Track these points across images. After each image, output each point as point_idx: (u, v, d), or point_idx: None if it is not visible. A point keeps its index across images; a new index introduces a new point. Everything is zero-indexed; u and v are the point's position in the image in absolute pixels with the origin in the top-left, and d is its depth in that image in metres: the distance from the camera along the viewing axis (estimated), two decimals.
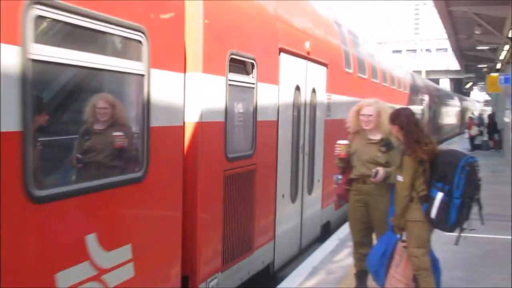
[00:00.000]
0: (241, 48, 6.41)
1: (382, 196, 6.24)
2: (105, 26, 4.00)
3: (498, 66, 30.34)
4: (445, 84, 76.27)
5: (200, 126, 5.55)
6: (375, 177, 6.11)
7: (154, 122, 4.65)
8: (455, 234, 5.71)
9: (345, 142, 6.51)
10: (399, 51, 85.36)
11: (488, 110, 53.71)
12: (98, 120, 4.31)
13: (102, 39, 4.13)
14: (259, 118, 6.95)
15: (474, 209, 5.57)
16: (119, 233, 4.29)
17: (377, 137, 6.35)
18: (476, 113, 62.73)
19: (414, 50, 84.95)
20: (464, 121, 40.98)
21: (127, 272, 4.35)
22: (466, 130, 35.38)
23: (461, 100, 61.45)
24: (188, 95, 5.46)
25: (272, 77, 7.40)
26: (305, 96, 8.83)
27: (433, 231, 5.80)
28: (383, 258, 5.96)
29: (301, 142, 8.68)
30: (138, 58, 4.47)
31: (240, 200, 6.45)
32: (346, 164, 6.51)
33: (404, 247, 5.84)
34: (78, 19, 3.71)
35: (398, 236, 5.93)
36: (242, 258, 6.57)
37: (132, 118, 4.60)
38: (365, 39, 16.61)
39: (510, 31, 18.70)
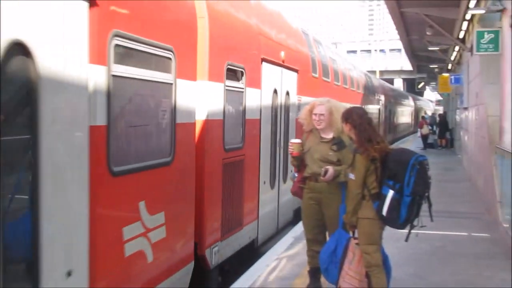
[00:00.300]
0: (234, 60, 7.94)
1: (334, 194, 6.29)
2: (151, 48, 5.43)
3: (449, 66, 30.97)
4: (398, 84, 77.38)
5: (207, 123, 7.03)
6: (324, 176, 6.18)
7: (178, 120, 6.06)
8: (406, 231, 5.85)
9: (297, 140, 6.63)
10: (354, 52, 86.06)
11: (441, 109, 54.80)
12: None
13: (149, 58, 5.50)
14: (247, 117, 8.42)
15: (424, 206, 5.71)
16: (158, 202, 5.63)
17: (329, 136, 6.40)
18: (429, 113, 63.98)
19: (369, 51, 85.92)
20: (418, 120, 41.87)
21: (162, 233, 5.70)
22: (419, 129, 36.10)
23: (415, 100, 62.75)
24: (198, 98, 6.80)
25: (256, 83, 8.89)
26: (281, 98, 10.25)
27: (385, 228, 5.93)
28: (333, 255, 6.06)
29: (278, 138, 10.07)
30: (168, 71, 5.87)
31: (233, 184, 7.86)
32: (300, 162, 6.58)
33: (357, 244, 5.95)
34: (137, 45, 5.16)
35: (350, 233, 6.04)
36: (235, 232, 7.96)
37: (166, 117, 5.91)
38: (327, 45, 18.18)
39: (460, 32, 19.14)
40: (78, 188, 4.31)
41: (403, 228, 5.74)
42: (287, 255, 8.51)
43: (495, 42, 12.16)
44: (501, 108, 11.43)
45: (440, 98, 59.84)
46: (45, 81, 3.90)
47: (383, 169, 5.73)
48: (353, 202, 5.77)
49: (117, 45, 4.79)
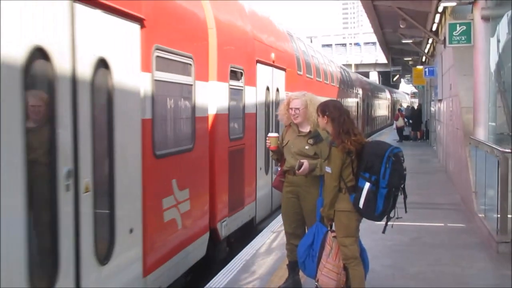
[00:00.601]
0: (236, 62, 9.59)
1: (311, 187, 6.30)
2: (178, 57, 7.07)
3: (423, 59, 31.19)
4: (374, 77, 77.81)
5: (216, 117, 8.66)
6: (299, 170, 6.20)
7: (197, 114, 7.68)
8: (382, 223, 5.88)
9: (275, 134, 6.70)
10: (329, 45, 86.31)
11: (416, 102, 55.26)
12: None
13: (177, 65, 7.15)
14: (246, 111, 10.06)
15: (400, 198, 5.75)
16: (184, 181, 7.20)
17: (306, 129, 6.40)
18: (405, 105, 64.50)
19: (344, 44, 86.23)
20: (395, 113, 42.59)
21: (187, 206, 7.30)
22: (395, 122, 36.41)
23: (391, 93, 63.46)
24: (209, 96, 8.36)
25: (252, 81, 10.51)
26: (272, 94, 11.75)
27: (361, 221, 5.95)
28: (310, 249, 6.07)
29: (270, 129, 11.43)
30: (190, 74, 7.50)
31: (236, 169, 9.36)
32: (279, 156, 6.63)
33: (334, 237, 5.96)
34: (169, 55, 6.78)
35: (327, 226, 6.06)
36: (238, 210, 9.54)
37: (189, 112, 7.52)
38: (309, 44, 20.23)
39: (433, 25, 19.27)
40: (136, 167, 5.97)
41: (379, 220, 5.77)
42: (280, 230, 8.97)
43: (467, 34, 12.21)
44: (475, 100, 11.50)
45: (415, 90, 60.29)
46: (117, 87, 5.50)
47: (359, 161, 5.74)
48: (329, 195, 5.78)
49: (157, 56, 6.42)
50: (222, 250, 9.03)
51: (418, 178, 16.16)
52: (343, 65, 36.22)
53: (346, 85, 26.63)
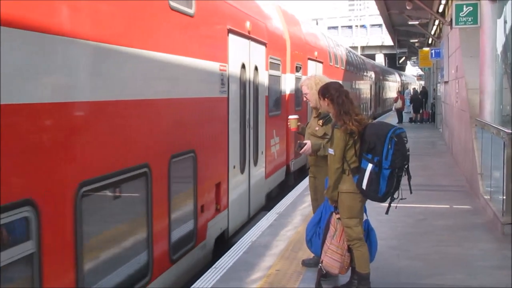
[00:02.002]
0: (298, 60, 15.11)
1: (320, 167, 6.49)
2: (275, 60, 12.64)
3: (430, 41, 31.02)
4: (380, 59, 77.50)
5: (289, 95, 14.24)
6: (299, 150, 6.43)
7: (282, 93, 13.48)
8: (386, 204, 5.91)
9: (294, 116, 6.97)
10: (335, 28, 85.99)
11: (423, 84, 55.22)
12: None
13: (275, 65, 12.68)
14: (286, 93, 14.07)
15: (404, 179, 5.76)
16: (277, 131, 12.86)
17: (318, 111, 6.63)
18: (412, 87, 64.38)
19: (350, 27, 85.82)
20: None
21: (278, 147, 13.03)
22: (394, 103, 36.47)
23: (400, 75, 63.99)
24: (286, 82, 13.87)
25: (305, 72, 15.77)
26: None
27: (365, 202, 5.98)
28: (316, 226, 6.20)
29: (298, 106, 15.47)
30: (279, 70, 13.11)
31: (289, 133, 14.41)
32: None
33: (338, 218, 5.99)
34: (272, 59, 12.17)
35: (333, 208, 6.09)
36: (297, 158, 14.98)
37: (280, 92, 13.43)
38: (335, 40, 26.48)
39: (440, 6, 19.15)
40: (263, 120, 11.46)
41: (383, 201, 5.78)
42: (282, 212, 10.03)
43: (474, 15, 12.15)
44: (481, 81, 11.47)
45: (421, 73, 60.05)
46: (259, 78, 10.98)
47: (361, 142, 5.75)
48: (333, 177, 5.79)
49: (270, 62, 11.97)
50: (291, 179, 14.53)
51: (424, 160, 16.17)
52: (350, 47, 37.54)
53: (361, 70, 31.21)
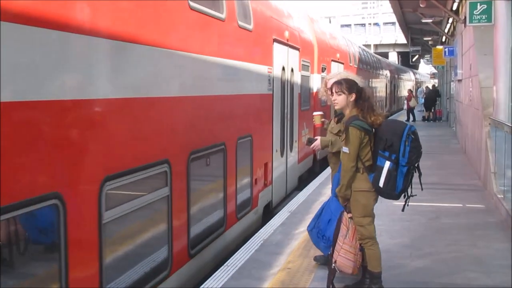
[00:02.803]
0: (323, 62, 17.05)
1: (333, 163, 6.75)
2: (306, 62, 14.72)
3: (443, 39, 30.83)
4: (393, 57, 77.17)
5: (316, 93, 15.47)
6: (309, 144, 6.80)
7: (311, 91, 15.50)
8: (400, 203, 5.89)
9: (319, 113, 7.17)
10: (348, 26, 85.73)
11: (436, 83, 54.99)
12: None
13: (306, 66, 14.65)
14: (313, 91, 15.78)
15: (415, 177, 5.75)
16: (306, 123, 14.30)
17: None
18: (425, 86, 64.11)
19: (363, 24, 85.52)
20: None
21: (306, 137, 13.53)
22: (406, 102, 36.38)
23: (415, 74, 64.25)
24: (314, 81, 15.72)
25: (328, 72, 17.06)
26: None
27: (377, 201, 5.96)
28: (317, 219, 6.55)
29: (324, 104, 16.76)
30: (308, 71, 15.04)
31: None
32: None
33: (350, 218, 5.96)
34: (304, 61, 14.45)
35: (343, 207, 6.06)
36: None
37: (310, 89, 15.42)
38: (354, 41, 29.10)
39: (454, 4, 19.04)
40: (296, 113, 13.32)
41: (398, 198, 5.78)
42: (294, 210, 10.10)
43: (488, 13, 12.06)
44: (495, 80, 11.39)
45: (434, 71, 59.72)
46: (294, 78, 13.13)
47: (376, 140, 5.72)
48: (347, 176, 5.74)
49: (302, 64, 13.97)
50: (318, 166, 15.98)
51: (437, 158, 16.10)
52: (363, 45, 38.26)
53: (377, 69, 33.29)
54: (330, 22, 66.36)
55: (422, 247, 7.75)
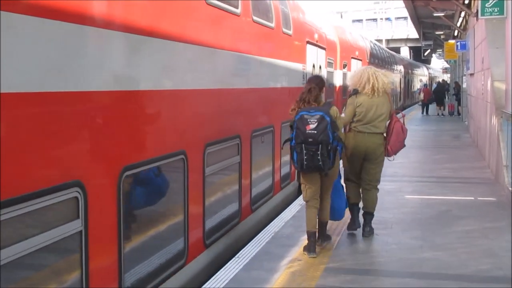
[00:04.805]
0: (345, 59, 18.65)
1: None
2: (331, 60, 16.36)
3: (455, 33, 30.67)
4: (405, 52, 76.83)
5: (339, 87, 17.81)
6: None
7: (335, 85, 17.17)
8: (412, 197, 5.91)
9: None
10: (359, 21, 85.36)
11: (447, 77, 54.83)
12: None
13: (331, 64, 16.43)
14: (336, 85, 17.43)
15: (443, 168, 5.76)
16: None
17: None
18: (437, 80, 63.93)
19: (375, 19, 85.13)
20: (432, 88, 43.86)
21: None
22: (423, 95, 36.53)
23: (428, 69, 64.26)
24: (337, 77, 17.46)
25: (350, 69, 19.12)
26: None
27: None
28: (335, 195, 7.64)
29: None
30: (332, 67, 16.70)
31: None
32: None
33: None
34: (329, 59, 16.21)
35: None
36: None
37: (333, 84, 17.04)
38: (376, 43, 32.59)
39: None
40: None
41: None
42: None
43: (500, 6, 12.02)
44: (507, 73, 11.35)
45: (447, 65, 59.41)
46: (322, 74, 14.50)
47: None
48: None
49: (328, 62, 15.57)
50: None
51: (448, 152, 16.06)
52: (375, 40, 38.65)
53: (391, 64, 34.77)
54: (341, 17, 66.17)
55: (433, 239, 7.75)
